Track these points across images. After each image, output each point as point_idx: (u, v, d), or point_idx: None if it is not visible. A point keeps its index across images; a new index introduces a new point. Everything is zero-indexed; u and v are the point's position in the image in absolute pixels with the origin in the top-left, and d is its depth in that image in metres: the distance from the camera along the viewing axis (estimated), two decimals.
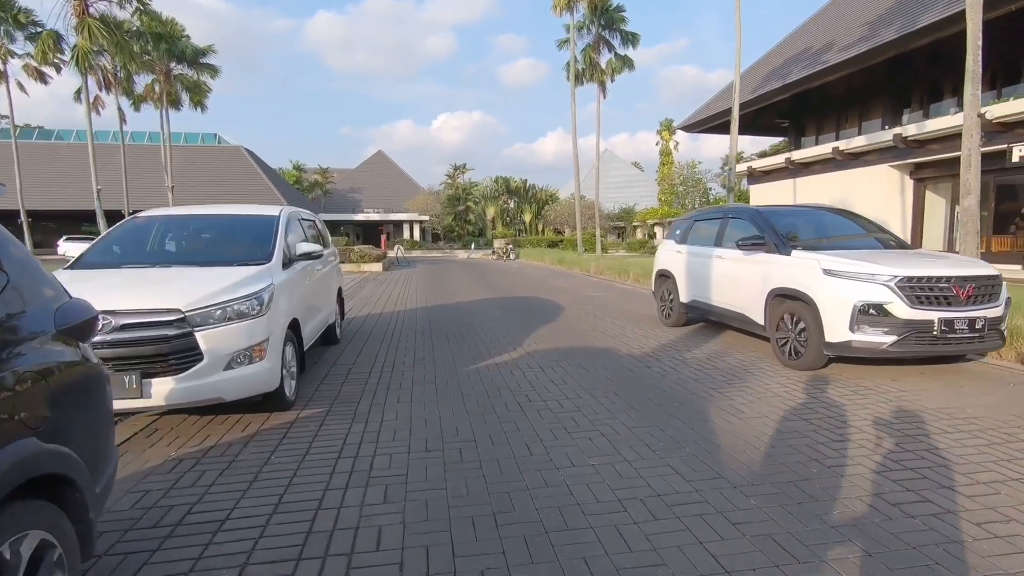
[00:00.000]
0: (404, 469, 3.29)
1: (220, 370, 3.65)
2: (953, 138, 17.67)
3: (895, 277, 4.76)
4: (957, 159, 18.22)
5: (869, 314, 4.79)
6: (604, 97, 29.22)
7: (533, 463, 3.35)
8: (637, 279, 14.82)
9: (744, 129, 34.90)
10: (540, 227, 62.88)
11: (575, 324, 8.41)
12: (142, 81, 23.51)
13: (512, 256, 30.54)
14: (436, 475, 3.21)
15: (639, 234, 60.83)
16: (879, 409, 4.26)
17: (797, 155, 25.30)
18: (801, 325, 5.34)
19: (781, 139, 48.38)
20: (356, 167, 60.12)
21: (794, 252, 5.62)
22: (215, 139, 40.74)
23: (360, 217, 49.84)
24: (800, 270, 5.41)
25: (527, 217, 62.91)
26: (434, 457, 3.47)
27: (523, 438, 3.78)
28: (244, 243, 4.93)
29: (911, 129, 19.14)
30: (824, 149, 23.60)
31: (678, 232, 8.04)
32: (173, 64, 22.33)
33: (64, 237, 36.36)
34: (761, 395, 4.68)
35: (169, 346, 3.47)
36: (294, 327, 4.64)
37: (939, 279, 4.75)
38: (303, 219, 6.16)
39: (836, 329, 4.94)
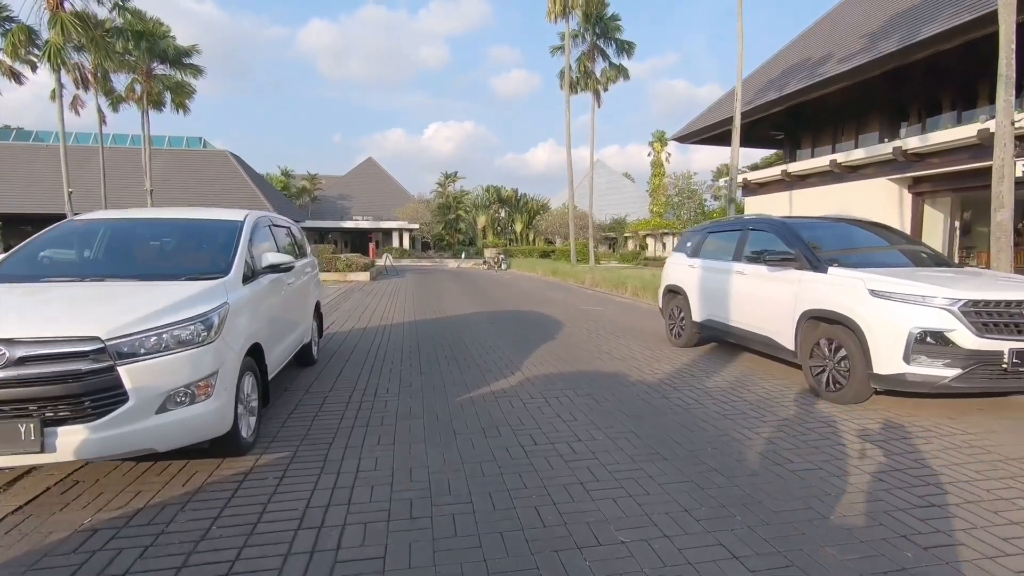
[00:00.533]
0: (382, 550, 2.55)
1: (151, 414, 2.89)
2: (955, 151, 17.35)
3: (958, 301, 4.12)
4: (957, 173, 17.89)
5: (927, 343, 4.14)
6: (599, 106, 28.79)
7: (547, 540, 2.63)
8: (636, 292, 14.18)
9: (740, 142, 34.81)
10: (531, 237, 62.41)
11: (577, 343, 7.72)
12: (123, 81, 22.66)
13: (503, 266, 29.87)
14: (423, 559, 2.47)
15: (630, 245, 60.60)
16: (953, 459, 3.60)
17: (794, 167, 24.99)
18: (842, 353, 4.69)
19: (773, 152, 48.44)
20: (345, 174, 59.28)
21: (831, 269, 4.98)
22: (200, 143, 39.75)
23: (349, 225, 48.95)
24: (840, 290, 4.76)
25: (518, 227, 62.45)
26: (421, 528, 2.73)
27: (531, 498, 3.05)
28: (198, 253, 4.18)
29: (912, 142, 18.83)
30: (822, 161, 23.28)
31: (689, 245, 7.39)
32: (155, 64, 21.49)
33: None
34: (805, 438, 4.00)
35: (81, 385, 2.71)
36: (256, 353, 3.90)
37: (1010, 303, 4.12)
38: (275, 225, 5.43)
39: (887, 359, 4.29)
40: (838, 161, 22.30)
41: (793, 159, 27.94)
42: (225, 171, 38.13)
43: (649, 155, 70.17)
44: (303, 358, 6.06)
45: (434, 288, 17.72)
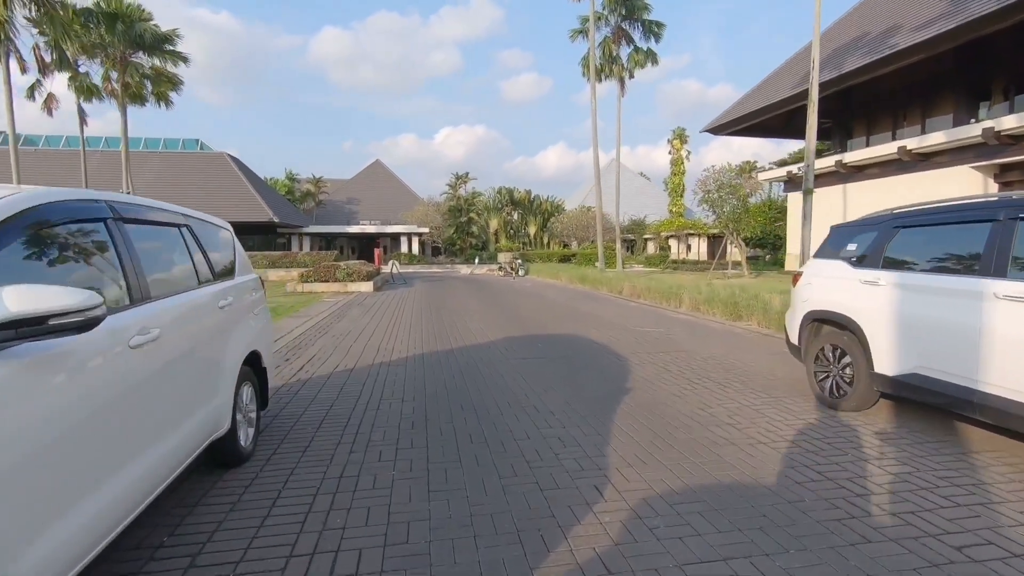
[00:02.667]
0: None
1: None
2: None
3: None
4: None
5: None
6: (623, 95, 26.08)
7: None
8: (697, 307, 11.44)
9: (774, 132, 31.86)
10: (546, 240, 59.74)
11: (666, 401, 5.02)
12: (98, 71, 20.37)
13: (521, 272, 27.22)
14: None
15: (650, 247, 57.66)
16: None
17: (851, 157, 22.10)
18: None
19: (797, 150, 45.37)
20: (352, 177, 57.08)
21: None
22: (197, 145, 37.63)
23: (355, 229, 46.58)
24: None
25: (532, 230, 59.81)
26: None
27: None
28: None
29: (1009, 121, 15.94)
30: (887, 149, 20.38)
31: (856, 247, 4.66)
32: (134, 52, 19.14)
33: None
34: None
35: None
36: None
37: None
38: (139, 220, 2.80)
39: None
40: (909, 148, 19.36)
41: (844, 150, 25.00)
42: (223, 173, 35.95)
43: (670, 153, 67.67)
44: (221, 455, 3.44)
45: (446, 301, 15.08)
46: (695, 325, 9.95)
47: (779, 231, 32.37)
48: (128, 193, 14.02)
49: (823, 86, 21.89)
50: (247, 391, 3.76)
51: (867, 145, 23.91)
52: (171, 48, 19.31)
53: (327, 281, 18.47)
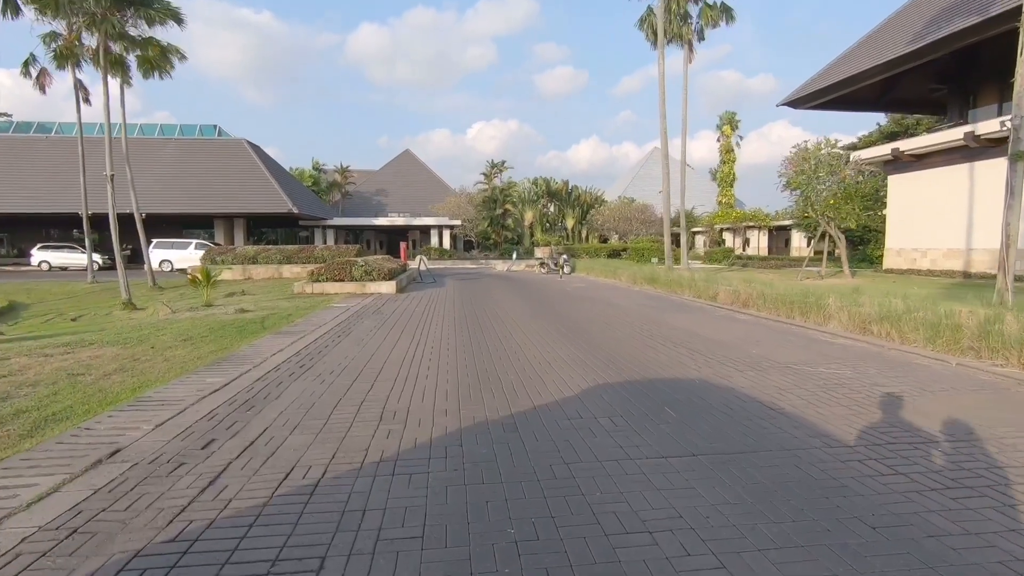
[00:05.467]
0: None
1: None
2: None
3: None
4: None
5: None
6: (692, 60, 22.11)
7: None
8: (866, 327, 7.69)
9: (866, 104, 27.26)
10: (584, 233, 55.89)
11: None
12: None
13: (567, 269, 23.62)
14: None
15: (698, 242, 53.14)
16: None
17: (985, 127, 17.75)
18: None
19: (873, 129, 40.41)
20: (381, 167, 54.32)
21: None
22: (215, 131, 35.18)
23: (383, 222, 43.66)
24: None
25: (569, 222, 56.00)
26: None
27: None
28: None
29: None
30: None
31: None
32: (118, 9, 16.21)
33: (39, 245, 31.29)
34: None
35: None
36: None
37: None
38: None
39: None
40: None
41: (963, 121, 20.54)
42: (240, 160, 33.40)
43: (719, 140, 62.79)
44: None
45: (487, 308, 11.66)
46: (910, 367, 6.23)
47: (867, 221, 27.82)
48: (111, 177, 10.86)
49: (941, 43, 17.59)
50: None
51: (999, 114, 19.37)
52: (164, 5, 16.34)
53: (341, 280, 15.30)
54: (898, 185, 21.84)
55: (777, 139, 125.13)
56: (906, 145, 20.75)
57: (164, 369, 6.10)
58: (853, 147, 31.59)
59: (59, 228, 35.35)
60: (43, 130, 33.94)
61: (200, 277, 12.89)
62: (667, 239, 22.15)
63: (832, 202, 17.73)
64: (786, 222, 38.52)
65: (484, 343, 7.61)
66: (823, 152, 17.53)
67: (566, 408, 4.55)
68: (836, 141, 19.04)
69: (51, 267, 30.16)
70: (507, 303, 12.68)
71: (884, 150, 21.40)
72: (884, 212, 24.45)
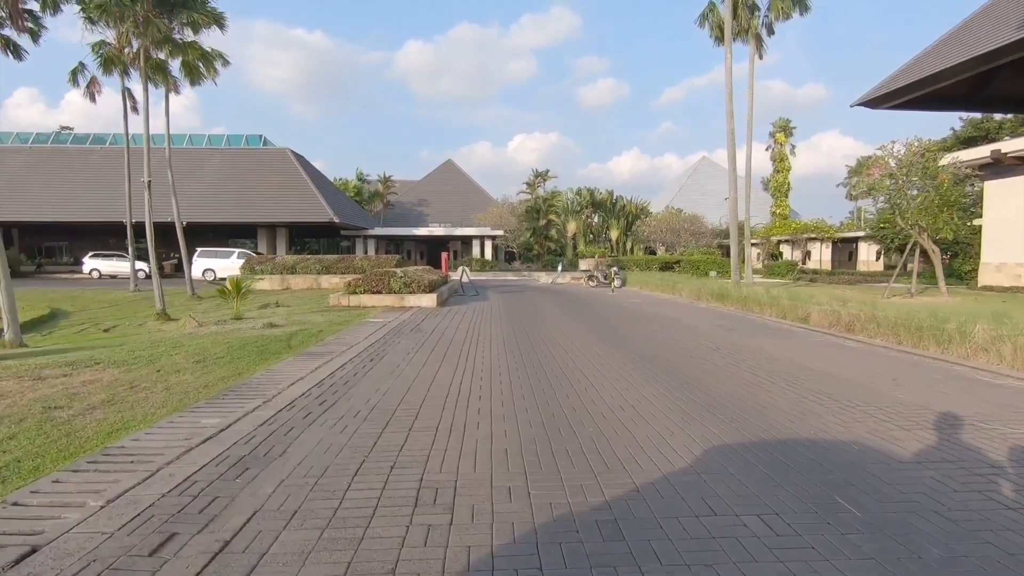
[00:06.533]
0: None
1: None
2: None
3: None
4: None
5: None
6: (760, 57, 20.33)
7: None
8: None
9: (954, 103, 24.63)
10: (629, 245, 53.88)
11: None
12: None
13: (617, 283, 22.03)
14: None
15: (754, 253, 50.32)
16: None
17: None
18: None
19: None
20: (423, 178, 54.02)
21: None
22: (260, 141, 35.38)
23: (423, 232, 43.03)
24: None
25: (614, 234, 54.10)
26: None
27: None
28: None
29: None
30: None
31: None
32: (163, 12, 15.88)
33: (90, 253, 31.92)
34: None
35: None
36: None
37: None
38: None
39: None
40: None
41: None
42: (283, 170, 33.36)
43: (769, 148, 59.84)
44: None
45: (537, 329, 10.30)
46: None
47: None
48: (148, 184, 10.10)
49: None
50: None
51: None
52: (204, 4, 15.88)
53: (379, 293, 14.25)
54: (997, 192, 19.35)
55: (827, 149, 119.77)
56: (1009, 146, 18.32)
57: (159, 402, 5.01)
58: (952, 147, 28.76)
59: (117, 237, 36.15)
60: (98, 141, 34.86)
61: (230, 288, 12.03)
62: (734, 251, 20.30)
63: (926, 210, 15.60)
64: (854, 233, 35.67)
65: (543, 374, 6.24)
66: (913, 156, 15.47)
67: (684, 492, 3.12)
68: (927, 140, 16.89)
69: (101, 275, 30.64)
70: (561, 321, 11.28)
71: (983, 152, 18.98)
72: (975, 223, 21.91)
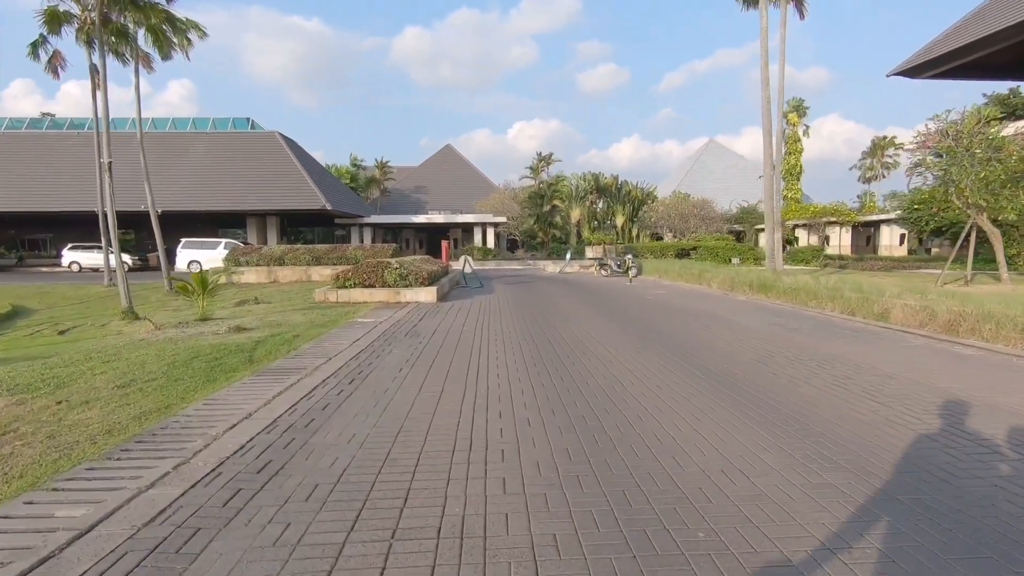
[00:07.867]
0: None
1: None
2: None
3: None
4: None
5: None
6: (802, 17, 18.64)
7: None
8: None
9: (998, 72, 22.71)
10: (635, 231, 51.99)
11: None
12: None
13: (633, 272, 20.27)
14: None
15: (762, 240, 48.49)
16: None
17: None
18: None
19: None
20: (421, 163, 52.02)
21: None
22: (247, 124, 33.40)
23: (422, 220, 41.16)
24: None
25: (619, 220, 52.18)
26: None
27: None
28: None
29: None
30: None
31: None
32: None
33: (69, 245, 30.11)
34: None
35: None
36: None
37: None
38: None
39: None
40: None
41: None
42: (272, 153, 31.46)
43: (783, 130, 57.76)
44: None
45: (558, 329, 8.54)
46: None
47: None
48: (108, 164, 8.15)
49: None
50: None
51: None
52: None
53: (371, 286, 12.51)
54: None
55: (828, 134, 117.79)
56: None
57: (28, 461, 3.31)
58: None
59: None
60: (77, 126, 32.92)
61: (195, 285, 10.29)
62: (771, 235, 18.52)
63: (988, 186, 13.80)
64: (877, 216, 33.81)
65: (588, 406, 4.51)
66: (976, 123, 13.64)
67: None
68: (980, 107, 15.04)
69: (82, 268, 28.89)
70: (585, 320, 9.53)
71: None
72: None
